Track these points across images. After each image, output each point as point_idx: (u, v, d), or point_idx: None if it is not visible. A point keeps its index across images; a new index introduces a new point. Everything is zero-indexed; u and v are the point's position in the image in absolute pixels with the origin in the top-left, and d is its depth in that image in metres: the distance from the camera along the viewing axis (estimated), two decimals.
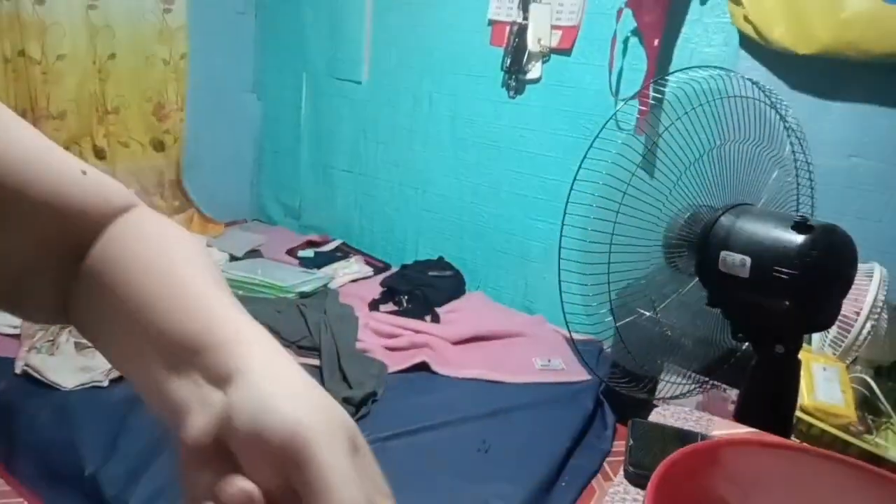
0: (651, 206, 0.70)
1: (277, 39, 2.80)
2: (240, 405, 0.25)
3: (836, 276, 0.58)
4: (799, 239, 0.58)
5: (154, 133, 2.54)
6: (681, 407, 0.52)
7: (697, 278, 0.67)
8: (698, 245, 0.58)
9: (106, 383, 1.58)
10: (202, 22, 2.52)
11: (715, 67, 0.70)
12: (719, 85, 0.67)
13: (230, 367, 0.27)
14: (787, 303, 0.58)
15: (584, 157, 0.80)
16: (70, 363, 1.62)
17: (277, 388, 0.26)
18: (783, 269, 0.56)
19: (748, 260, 0.57)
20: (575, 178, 0.60)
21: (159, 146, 2.57)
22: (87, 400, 1.52)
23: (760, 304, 0.58)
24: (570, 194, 0.61)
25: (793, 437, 0.96)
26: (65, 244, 0.32)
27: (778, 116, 0.63)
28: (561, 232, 0.62)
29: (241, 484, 0.24)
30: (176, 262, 0.32)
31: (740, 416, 0.71)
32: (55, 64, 2.21)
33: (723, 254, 0.56)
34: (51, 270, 0.32)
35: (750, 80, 0.68)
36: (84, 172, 0.33)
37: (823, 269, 0.57)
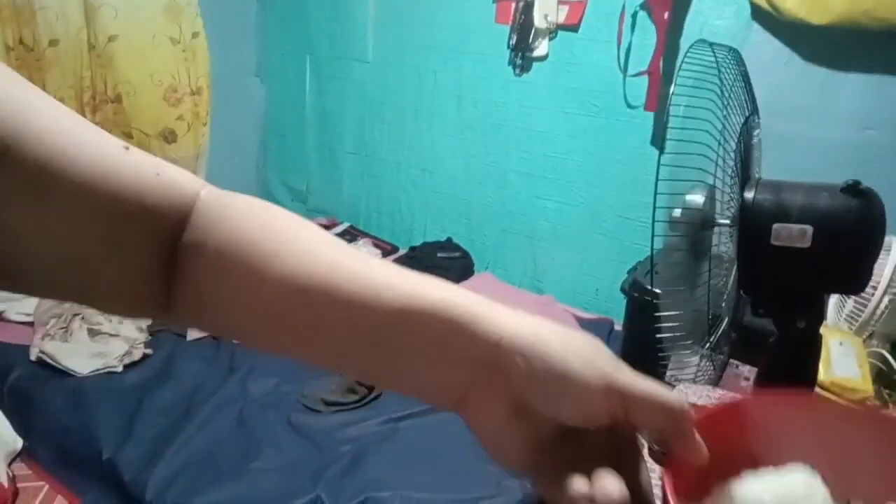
0: (664, 183, 0.69)
1: (280, 21, 2.76)
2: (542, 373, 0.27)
3: (882, 237, 0.60)
4: (855, 202, 0.59)
5: (165, 122, 2.37)
6: (701, 385, 0.52)
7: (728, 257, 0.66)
8: (741, 222, 0.57)
9: (120, 368, 1.60)
10: (205, 5, 2.48)
11: (718, 45, 0.68)
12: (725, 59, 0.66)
13: (490, 336, 0.28)
14: (843, 267, 0.59)
15: (665, 140, 0.79)
16: (84, 349, 1.63)
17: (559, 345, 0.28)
18: (846, 233, 0.58)
19: (809, 229, 0.56)
20: (660, 160, 0.58)
21: (171, 136, 2.46)
22: (101, 385, 1.53)
23: (797, 274, 0.58)
24: (658, 171, 0.59)
25: None
26: (142, 232, 0.31)
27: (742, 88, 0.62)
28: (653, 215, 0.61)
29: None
30: (317, 240, 0.32)
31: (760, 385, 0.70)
32: (47, 50, 2.08)
33: (776, 227, 0.56)
34: (130, 258, 0.31)
35: (730, 48, 0.67)
36: (158, 174, 0.32)
37: (880, 229, 0.59)
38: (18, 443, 1.45)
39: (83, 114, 2.16)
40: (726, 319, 0.71)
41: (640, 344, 1.72)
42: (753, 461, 0.33)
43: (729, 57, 0.75)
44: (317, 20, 2.62)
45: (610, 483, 0.25)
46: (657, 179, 0.62)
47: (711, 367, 0.74)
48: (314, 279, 0.30)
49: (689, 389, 0.54)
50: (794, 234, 0.57)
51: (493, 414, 0.29)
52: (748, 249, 0.57)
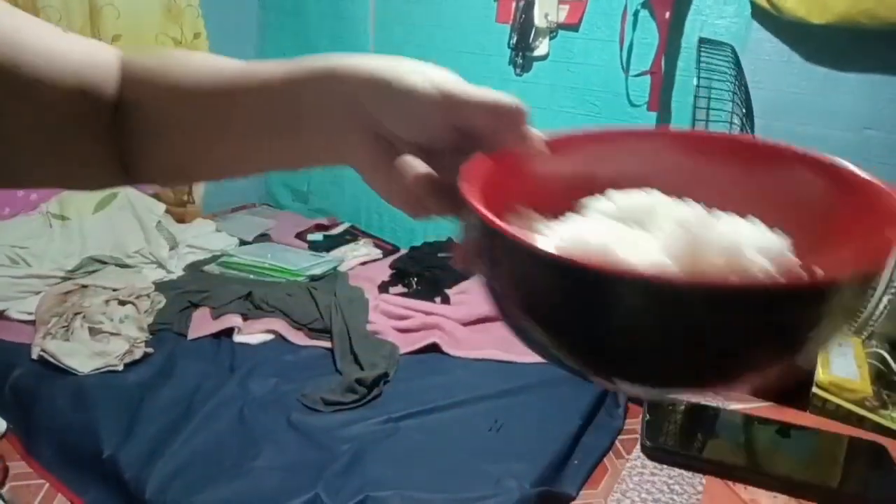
0: None
1: (281, 20, 2.77)
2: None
3: None
4: None
5: None
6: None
7: None
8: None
9: (121, 367, 1.60)
10: (207, 6, 2.49)
11: (720, 43, 0.68)
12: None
13: (350, 76, 0.30)
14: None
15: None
16: (85, 348, 1.64)
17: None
18: None
19: None
20: None
21: None
22: (102, 384, 1.54)
23: None
24: None
25: (808, 412, 0.96)
26: (93, 109, 0.34)
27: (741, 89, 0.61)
28: None
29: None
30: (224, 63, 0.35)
31: (755, 391, 0.70)
32: None
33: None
34: (84, 129, 0.34)
35: (731, 47, 0.66)
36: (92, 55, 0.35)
37: None
38: (2, 425, 1.49)
39: None
40: None
41: None
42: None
43: (731, 56, 0.75)
44: (317, 19, 2.62)
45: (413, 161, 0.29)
46: None
47: None
48: (219, 85, 0.33)
49: None
50: None
51: (366, 149, 0.31)
52: None
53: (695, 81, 0.63)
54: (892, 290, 0.94)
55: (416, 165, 0.29)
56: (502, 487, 1.28)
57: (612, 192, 0.31)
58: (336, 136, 0.32)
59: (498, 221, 0.23)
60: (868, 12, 1.44)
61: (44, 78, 0.31)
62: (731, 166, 0.32)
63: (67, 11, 2.13)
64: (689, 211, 0.29)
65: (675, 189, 0.31)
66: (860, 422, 0.94)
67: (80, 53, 0.34)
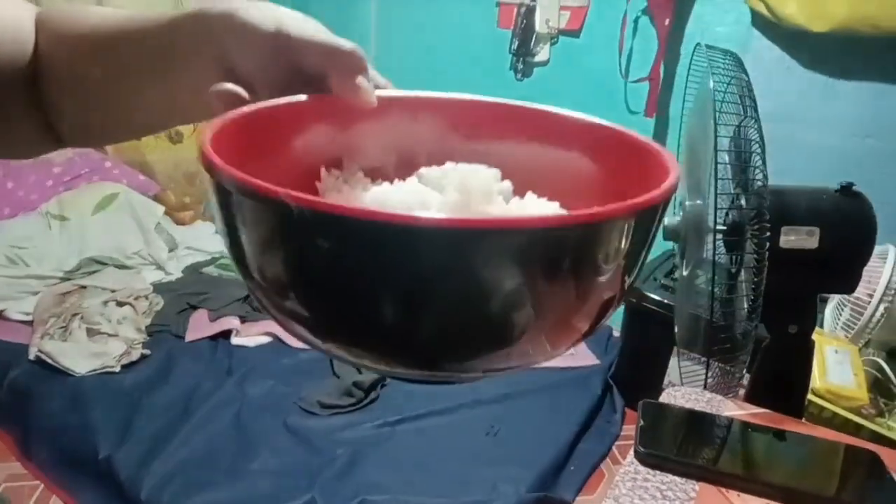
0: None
1: None
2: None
3: (875, 234, 0.61)
4: (852, 202, 0.60)
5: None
6: (691, 388, 0.52)
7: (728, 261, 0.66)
8: (756, 226, 0.58)
9: (118, 369, 1.60)
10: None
11: (710, 47, 0.68)
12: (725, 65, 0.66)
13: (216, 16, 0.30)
14: (845, 267, 0.60)
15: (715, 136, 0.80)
16: (82, 349, 1.64)
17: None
18: (848, 232, 0.59)
19: (816, 230, 0.58)
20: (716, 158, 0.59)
21: (176, 136, 2.53)
22: (99, 385, 1.54)
23: (802, 276, 0.59)
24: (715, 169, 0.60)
25: (804, 420, 0.95)
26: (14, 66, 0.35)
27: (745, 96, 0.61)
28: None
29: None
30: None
31: (751, 398, 0.70)
32: None
33: (785, 229, 0.57)
34: (15, 94, 0.35)
35: (731, 53, 0.67)
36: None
37: (874, 227, 0.61)
38: None
39: None
40: (717, 324, 0.71)
41: (637, 351, 1.74)
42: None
43: (727, 61, 0.75)
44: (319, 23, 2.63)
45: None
46: None
47: (708, 375, 0.74)
48: (108, 33, 0.34)
49: (678, 392, 0.54)
50: (802, 236, 0.58)
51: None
52: (759, 254, 0.57)
53: (705, 86, 0.63)
54: (889, 299, 0.94)
55: (227, 86, 0.28)
56: (499, 492, 1.27)
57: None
58: (202, 76, 0.31)
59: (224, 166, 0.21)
60: (868, 21, 1.45)
61: None
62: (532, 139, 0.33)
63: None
64: (479, 180, 0.29)
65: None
66: (857, 430, 0.94)
67: (4, 18, 0.35)
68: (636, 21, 1.87)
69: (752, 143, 0.60)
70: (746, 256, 0.57)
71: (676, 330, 0.81)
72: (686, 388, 0.53)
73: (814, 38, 1.54)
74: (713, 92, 0.59)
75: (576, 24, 2.00)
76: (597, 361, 1.81)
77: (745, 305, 0.61)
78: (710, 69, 0.62)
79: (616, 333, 1.93)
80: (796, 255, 0.57)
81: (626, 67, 1.92)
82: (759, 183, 0.55)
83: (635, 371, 1.66)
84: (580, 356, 1.84)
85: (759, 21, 1.68)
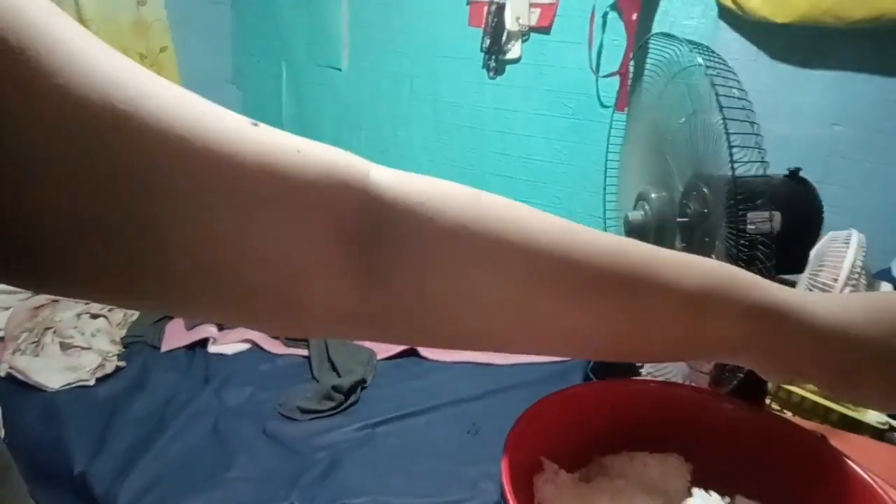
0: (627, 183, 0.70)
1: (255, 28, 2.75)
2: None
3: (822, 216, 0.64)
4: (803, 187, 0.62)
5: None
6: (667, 380, 0.52)
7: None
8: (722, 213, 0.59)
9: (92, 382, 1.57)
10: (178, 14, 2.47)
11: (664, 35, 0.68)
12: (679, 55, 0.66)
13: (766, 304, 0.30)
14: (798, 249, 0.62)
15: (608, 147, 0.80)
16: (55, 363, 1.61)
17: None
18: (802, 216, 0.61)
19: (777, 214, 0.58)
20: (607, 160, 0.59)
21: None
22: (73, 399, 1.51)
23: (763, 260, 0.60)
24: (605, 170, 0.60)
25: (774, 405, 0.96)
26: (329, 226, 0.26)
27: (710, 85, 0.61)
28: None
29: None
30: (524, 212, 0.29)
31: (716, 385, 0.71)
32: None
33: (751, 215, 0.57)
34: (329, 260, 0.26)
35: (691, 42, 0.67)
36: (298, 150, 0.26)
37: (821, 209, 0.63)
38: None
39: None
40: None
41: None
42: (630, 444, 0.36)
43: (686, 50, 0.75)
44: (291, 27, 2.61)
45: None
46: (605, 178, 0.62)
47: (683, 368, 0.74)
48: (564, 258, 0.28)
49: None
50: (764, 221, 0.59)
51: None
52: (726, 239, 0.58)
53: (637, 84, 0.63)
54: (853, 283, 0.95)
55: None
56: (479, 490, 1.27)
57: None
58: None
59: None
60: (829, 12, 1.47)
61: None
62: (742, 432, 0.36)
63: None
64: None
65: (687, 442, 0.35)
66: (826, 413, 0.95)
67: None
68: (605, 16, 1.88)
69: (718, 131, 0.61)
70: (718, 244, 0.58)
71: None
72: (662, 379, 0.53)
73: (779, 29, 1.57)
74: (706, 72, 0.59)
75: (546, 20, 2.01)
76: None
77: None
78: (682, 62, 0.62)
79: None
80: (758, 240, 0.57)
81: (597, 62, 1.93)
82: (729, 172, 0.55)
83: (613, 364, 1.66)
84: None
85: (725, 14, 1.70)
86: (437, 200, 0.27)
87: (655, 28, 1.82)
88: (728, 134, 0.52)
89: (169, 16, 2.40)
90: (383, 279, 0.27)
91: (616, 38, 1.87)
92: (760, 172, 0.56)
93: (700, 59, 0.55)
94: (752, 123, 0.53)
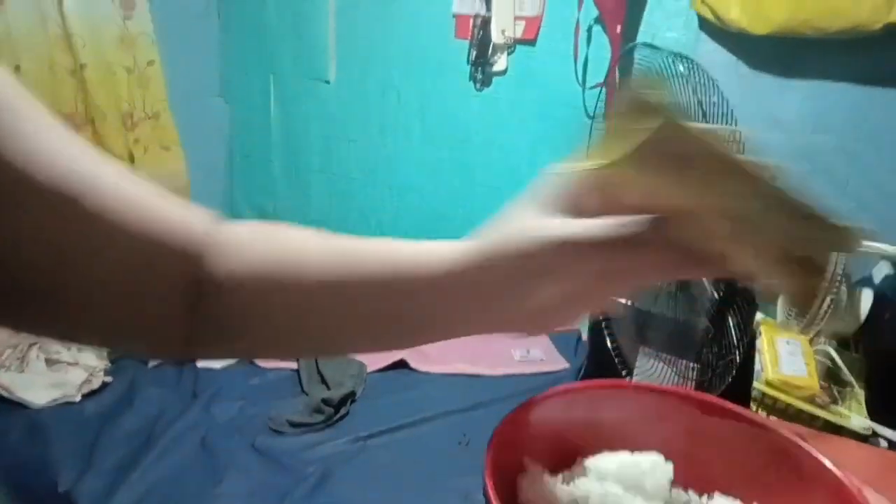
0: None
1: (242, 41, 2.76)
2: None
3: None
4: None
5: (127, 145, 2.47)
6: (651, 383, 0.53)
7: None
8: None
9: (78, 398, 1.56)
10: (164, 27, 2.47)
11: (647, 45, 0.70)
12: (662, 65, 0.67)
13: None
14: None
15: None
16: (41, 379, 1.59)
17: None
18: None
19: None
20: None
21: (131, 157, 2.51)
22: (59, 416, 1.49)
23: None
24: None
25: (760, 411, 0.98)
26: (173, 270, 0.32)
27: (691, 91, 0.63)
28: None
29: None
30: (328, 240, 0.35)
31: (701, 388, 0.72)
32: (14, 76, 2.17)
33: None
34: (170, 298, 0.32)
35: (673, 53, 0.68)
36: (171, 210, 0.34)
37: None
38: None
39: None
40: (677, 323, 0.73)
41: (601, 350, 1.75)
42: (611, 444, 0.37)
43: (669, 61, 0.77)
44: (278, 40, 2.62)
45: None
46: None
47: (669, 371, 0.75)
48: (344, 270, 0.33)
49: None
50: None
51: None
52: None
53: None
54: (834, 291, 0.97)
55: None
56: (472, 501, 1.27)
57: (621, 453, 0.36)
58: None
59: None
60: (806, 23, 1.50)
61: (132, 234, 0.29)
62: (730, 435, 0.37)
63: (45, 42, 2.16)
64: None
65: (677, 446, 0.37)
66: (812, 419, 0.96)
67: (176, 215, 0.32)
68: (589, 29, 1.91)
69: None
70: None
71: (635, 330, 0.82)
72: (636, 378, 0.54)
73: (757, 40, 1.60)
74: (688, 81, 0.60)
75: (531, 33, 2.03)
76: (567, 365, 1.83)
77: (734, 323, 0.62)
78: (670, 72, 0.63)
79: (584, 337, 1.95)
80: None
81: (583, 74, 1.96)
82: None
83: (603, 372, 1.67)
84: (550, 361, 1.86)
85: (705, 25, 1.74)
86: (261, 278, 0.33)
87: (639, 40, 1.85)
88: None
89: (155, 29, 2.40)
90: (201, 337, 0.33)
91: (601, 50, 1.90)
92: None
93: (682, 68, 0.57)
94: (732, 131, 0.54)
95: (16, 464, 1.41)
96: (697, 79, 0.61)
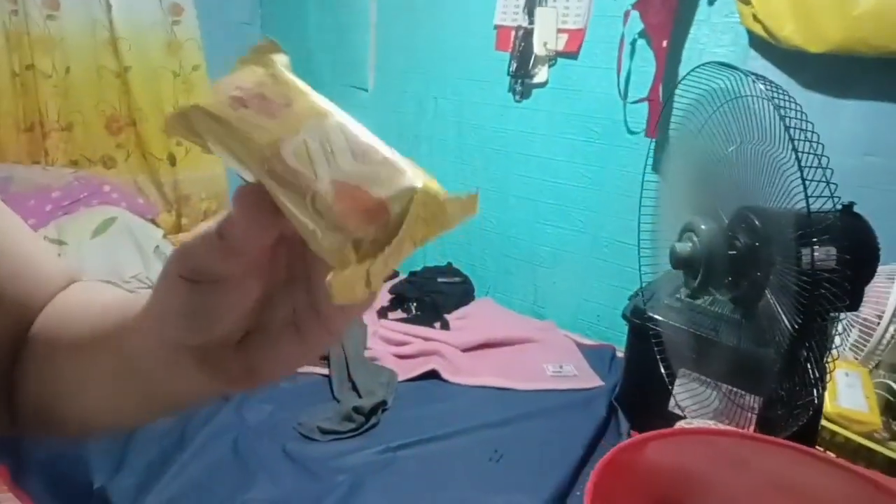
0: (666, 209, 0.68)
1: (284, 50, 2.80)
2: None
3: (878, 251, 0.62)
4: (857, 222, 0.60)
5: (169, 147, 2.51)
6: (704, 421, 0.50)
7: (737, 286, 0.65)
8: (778, 247, 0.57)
9: None
10: (209, 34, 2.52)
11: (721, 64, 0.68)
12: (731, 84, 0.65)
13: None
14: (856, 285, 0.60)
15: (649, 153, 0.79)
16: None
17: None
18: (857, 251, 0.59)
19: (832, 250, 0.57)
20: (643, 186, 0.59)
21: (172, 159, 2.55)
22: None
23: (819, 297, 0.57)
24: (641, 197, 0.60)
25: (818, 447, 0.93)
26: (17, 330, 0.34)
27: (778, 116, 0.61)
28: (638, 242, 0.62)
29: None
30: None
31: (762, 425, 0.69)
32: (65, 78, 2.23)
33: (804, 251, 0.56)
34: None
35: (754, 75, 0.66)
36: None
37: (876, 244, 0.61)
38: None
39: (102, 136, 2.30)
40: (723, 347, 0.70)
41: (642, 371, 1.71)
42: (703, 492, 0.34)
43: (748, 80, 0.74)
44: (319, 48, 2.65)
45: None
46: (640, 205, 0.61)
47: (715, 395, 0.72)
48: (96, 330, 0.31)
49: (692, 424, 0.52)
50: (821, 258, 0.57)
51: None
52: (776, 275, 0.56)
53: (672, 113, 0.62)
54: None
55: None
56: None
57: None
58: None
59: None
60: (864, 41, 1.46)
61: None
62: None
63: (80, 45, 2.21)
64: None
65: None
66: (870, 454, 0.92)
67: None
68: (633, 43, 1.89)
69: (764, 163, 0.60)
70: (772, 279, 0.56)
71: (681, 351, 0.79)
72: (699, 420, 0.51)
73: (812, 58, 1.55)
74: (771, 101, 0.58)
75: (573, 46, 2.02)
76: (601, 383, 1.79)
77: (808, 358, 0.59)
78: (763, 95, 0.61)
79: (619, 354, 1.91)
80: (822, 277, 0.56)
81: (625, 88, 1.93)
82: (786, 204, 0.54)
83: (640, 393, 1.63)
84: (584, 377, 1.82)
85: (755, 42, 1.70)
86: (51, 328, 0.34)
87: (685, 56, 1.82)
88: (801, 167, 0.51)
89: (202, 35, 2.44)
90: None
91: (644, 64, 1.87)
92: (829, 207, 0.54)
93: (762, 87, 0.54)
94: (818, 158, 0.52)
95: (52, 460, 1.42)
96: (780, 99, 0.59)
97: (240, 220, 0.23)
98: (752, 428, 0.69)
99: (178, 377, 0.27)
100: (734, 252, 0.62)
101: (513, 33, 2.09)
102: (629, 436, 1.65)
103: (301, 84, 0.25)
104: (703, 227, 0.64)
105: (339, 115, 0.24)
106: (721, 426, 0.47)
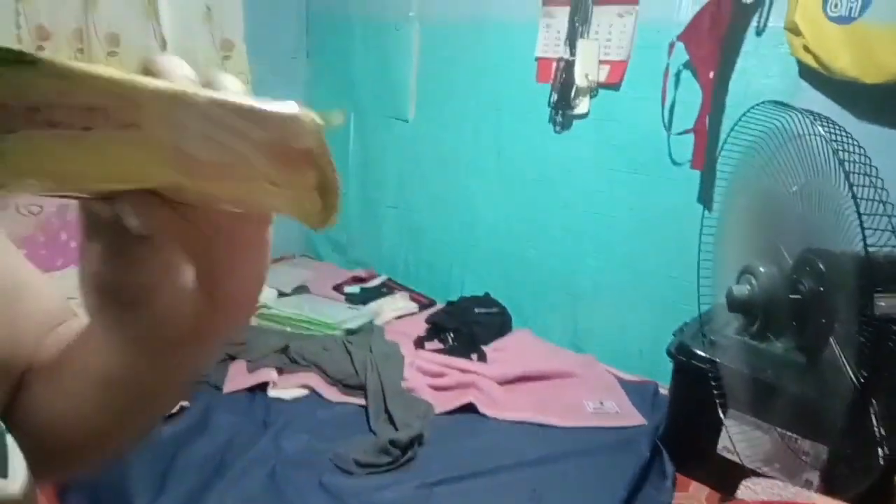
0: (720, 245, 0.66)
1: (328, 81, 2.88)
2: None
3: None
4: None
5: None
6: (771, 480, 0.47)
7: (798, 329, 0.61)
8: (844, 293, 0.54)
9: None
10: (256, 67, 2.60)
11: (778, 103, 0.65)
12: (789, 123, 0.63)
13: None
14: None
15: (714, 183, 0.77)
16: None
17: None
18: None
19: None
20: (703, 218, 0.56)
21: None
22: None
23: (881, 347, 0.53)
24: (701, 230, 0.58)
25: None
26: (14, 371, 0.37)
27: (837, 160, 0.58)
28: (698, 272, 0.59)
29: None
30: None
31: (827, 482, 0.64)
32: None
33: (880, 298, 0.52)
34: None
35: (812, 115, 0.63)
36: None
37: None
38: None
39: None
40: (779, 389, 0.66)
41: (688, 411, 1.64)
42: None
43: (807, 121, 0.72)
44: (362, 80, 2.72)
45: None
46: (701, 241, 0.59)
47: (783, 451, 0.68)
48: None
49: (758, 486, 0.49)
50: (887, 307, 0.54)
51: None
52: (846, 323, 0.53)
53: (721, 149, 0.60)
54: None
55: None
56: None
57: None
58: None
59: None
60: None
61: None
62: None
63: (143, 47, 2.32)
64: None
65: None
66: None
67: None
68: (678, 74, 1.86)
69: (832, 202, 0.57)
70: (837, 327, 0.53)
71: (732, 391, 0.76)
72: (765, 479, 0.48)
73: (866, 89, 1.50)
74: (830, 142, 0.56)
75: (616, 77, 2.01)
76: (643, 421, 1.72)
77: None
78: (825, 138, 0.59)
79: (663, 390, 1.84)
80: (891, 329, 0.52)
81: (669, 120, 1.90)
82: (852, 248, 0.51)
83: (686, 433, 1.57)
84: (626, 415, 1.76)
85: (806, 73, 1.65)
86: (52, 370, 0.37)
87: (732, 87, 1.79)
88: (860, 213, 0.48)
89: (252, 70, 2.53)
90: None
91: (689, 95, 1.85)
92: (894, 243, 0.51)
93: (821, 129, 0.52)
94: (883, 203, 0.49)
95: (94, 482, 1.45)
96: (839, 142, 0.56)
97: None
98: (815, 482, 0.65)
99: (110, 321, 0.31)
100: (798, 297, 0.59)
101: (554, 65, 2.09)
102: (674, 480, 1.58)
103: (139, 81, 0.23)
104: (762, 269, 0.62)
105: (195, 95, 0.24)
106: (815, 497, 0.43)
